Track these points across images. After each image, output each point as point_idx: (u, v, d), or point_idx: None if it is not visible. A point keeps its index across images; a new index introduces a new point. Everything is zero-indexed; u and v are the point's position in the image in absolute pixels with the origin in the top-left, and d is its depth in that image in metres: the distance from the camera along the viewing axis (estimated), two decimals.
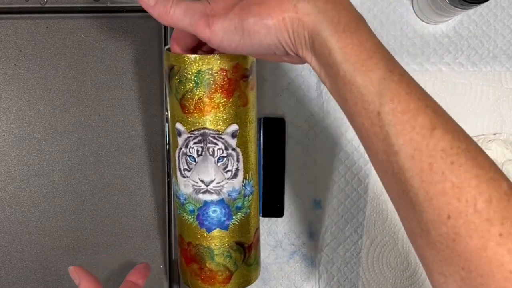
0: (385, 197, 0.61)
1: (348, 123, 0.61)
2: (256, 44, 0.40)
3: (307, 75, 0.62)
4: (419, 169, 0.35)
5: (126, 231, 0.60)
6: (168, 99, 0.49)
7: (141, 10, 0.59)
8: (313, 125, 0.62)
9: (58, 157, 0.59)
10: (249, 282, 0.53)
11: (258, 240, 0.54)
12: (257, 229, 0.53)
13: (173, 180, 0.52)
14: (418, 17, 0.62)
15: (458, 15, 0.61)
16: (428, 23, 0.62)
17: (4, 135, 0.59)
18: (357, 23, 0.38)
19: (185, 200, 0.50)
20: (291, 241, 0.62)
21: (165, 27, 0.59)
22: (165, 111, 0.60)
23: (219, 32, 0.40)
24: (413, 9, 0.62)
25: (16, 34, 0.59)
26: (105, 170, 0.60)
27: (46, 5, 0.58)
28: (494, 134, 0.61)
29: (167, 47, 0.49)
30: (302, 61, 0.42)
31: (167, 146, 0.60)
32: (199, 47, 0.49)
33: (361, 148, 0.62)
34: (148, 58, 0.60)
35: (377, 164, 0.38)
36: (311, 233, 0.62)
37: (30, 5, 0.58)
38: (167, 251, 0.60)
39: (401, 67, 0.37)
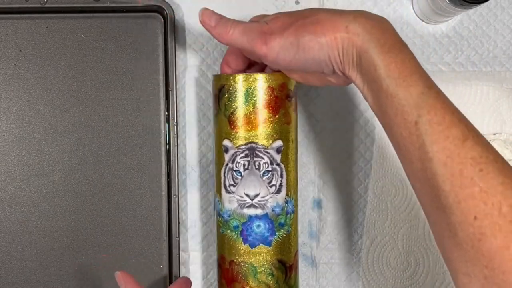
0: (385, 197, 0.61)
1: (349, 123, 0.62)
2: (309, 59, 0.45)
3: None
4: (450, 174, 0.38)
5: (126, 231, 0.60)
6: (215, 119, 0.53)
7: (141, 10, 0.60)
8: (313, 125, 0.62)
9: (58, 157, 0.59)
10: None
11: (297, 262, 0.55)
12: (297, 251, 0.54)
13: (216, 200, 0.53)
14: (418, 17, 0.62)
15: (458, 15, 0.61)
16: (428, 23, 0.62)
17: (4, 135, 0.59)
18: (400, 46, 0.43)
19: (229, 216, 0.52)
20: None
21: (165, 29, 0.59)
22: (165, 111, 0.60)
23: (275, 48, 0.45)
24: (413, 9, 0.62)
25: (16, 34, 0.59)
26: (105, 170, 0.60)
27: (46, 5, 0.58)
28: (494, 134, 0.61)
29: (214, 74, 0.54)
30: (346, 81, 0.48)
31: (167, 146, 0.60)
32: (247, 69, 0.55)
33: (361, 148, 0.62)
34: (148, 58, 0.60)
35: (411, 173, 0.42)
36: (311, 233, 0.62)
37: (30, 5, 0.58)
38: (167, 251, 0.60)
39: (438, 87, 0.42)
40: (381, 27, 0.43)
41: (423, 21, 0.62)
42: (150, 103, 0.60)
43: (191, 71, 0.62)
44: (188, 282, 0.55)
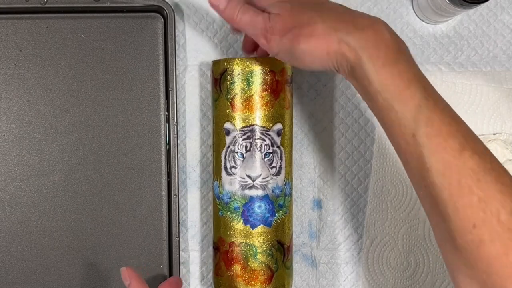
0: (385, 197, 0.61)
1: (348, 123, 0.62)
2: (305, 66, 0.46)
3: (307, 75, 0.62)
4: (448, 184, 0.39)
5: (126, 231, 0.60)
6: (215, 104, 0.54)
7: (141, 10, 0.60)
8: (313, 125, 0.62)
9: (58, 157, 0.59)
10: (287, 286, 0.55)
11: (292, 245, 0.57)
12: (292, 234, 0.56)
13: (215, 183, 0.54)
14: (418, 17, 0.62)
15: (458, 15, 0.61)
16: (428, 23, 0.62)
17: (4, 135, 0.59)
18: (396, 57, 0.42)
19: (229, 198, 0.53)
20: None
21: (165, 29, 0.59)
22: (165, 111, 0.60)
23: (275, 48, 0.46)
24: (413, 9, 0.62)
25: (16, 34, 0.59)
26: (105, 170, 0.60)
27: (46, 5, 0.58)
28: (494, 134, 0.61)
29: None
30: None
31: (167, 146, 0.60)
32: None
33: (361, 148, 0.62)
34: (148, 58, 0.60)
35: (412, 178, 0.42)
36: (311, 233, 0.62)
37: (30, 5, 0.58)
38: (167, 251, 0.60)
39: (437, 94, 0.42)
40: (375, 39, 0.42)
41: (423, 21, 0.62)
42: (150, 103, 0.60)
43: (191, 71, 0.62)
44: (179, 282, 0.55)
